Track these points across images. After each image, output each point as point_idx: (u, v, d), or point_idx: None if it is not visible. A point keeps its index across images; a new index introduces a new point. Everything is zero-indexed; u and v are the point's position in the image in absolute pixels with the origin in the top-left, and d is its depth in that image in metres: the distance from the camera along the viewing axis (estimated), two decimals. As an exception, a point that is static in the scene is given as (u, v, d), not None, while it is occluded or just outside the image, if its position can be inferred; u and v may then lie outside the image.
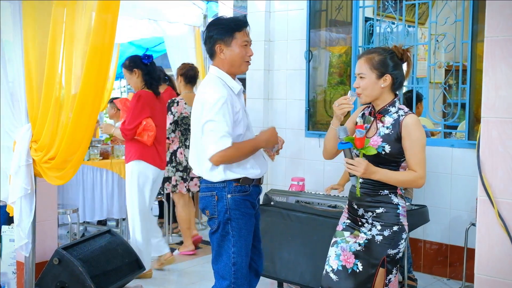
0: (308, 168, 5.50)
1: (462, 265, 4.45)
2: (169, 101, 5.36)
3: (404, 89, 5.29)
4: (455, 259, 4.70)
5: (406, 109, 2.75)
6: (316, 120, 5.58)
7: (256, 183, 3.11)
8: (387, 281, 2.78)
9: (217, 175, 2.99)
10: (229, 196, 2.99)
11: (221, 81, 3.02)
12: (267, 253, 4.11)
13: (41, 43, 3.23)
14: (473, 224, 4.24)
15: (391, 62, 2.74)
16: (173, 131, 5.35)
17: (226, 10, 7.65)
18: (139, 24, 7.05)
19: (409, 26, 5.22)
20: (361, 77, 2.74)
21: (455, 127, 5.20)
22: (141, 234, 4.63)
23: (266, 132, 3.12)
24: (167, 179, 5.36)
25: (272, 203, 4.30)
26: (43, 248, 4.03)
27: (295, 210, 4.12)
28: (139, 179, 4.60)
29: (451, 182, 4.67)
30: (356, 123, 2.77)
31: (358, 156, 2.71)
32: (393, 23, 5.23)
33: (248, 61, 3.10)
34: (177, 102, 5.35)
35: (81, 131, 3.25)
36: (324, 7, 5.47)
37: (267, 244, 4.14)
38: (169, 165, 5.35)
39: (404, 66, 2.83)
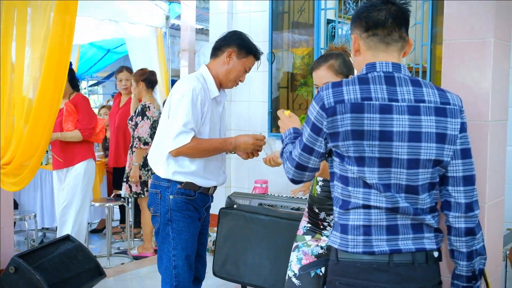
0: (271, 170, 5.44)
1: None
2: (141, 106, 5.23)
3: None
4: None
5: None
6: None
7: (203, 191, 3.07)
8: None
9: (164, 172, 2.98)
10: (171, 197, 2.97)
11: (202, 79, 3.01)
12: (231, 257, 4.08)
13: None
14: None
15: (348, 62, 2.70)
16: (150, 136, 5.21)
17: (189, 11, 7.59)
18: (100, 25, 6.93)
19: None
20: None
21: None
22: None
23: (241, 139, 3.05)
24: (144, 183, 5.26)
25: (235, 206, 4.26)
26: (-1, 256, 3.91)
27: (258, 213, 4.09)
28: (91, 177, 4.86)
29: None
30: None
31: None
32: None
33: (237, 84, 3.14)
34: (148, 107, 5.22)
35: (38, 134, 3.17)
36: (286, 9, 5.47)
37: (231, 248, 4.10)
38: (143, 169, 5.27)
39: None
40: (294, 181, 2.04)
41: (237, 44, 3.05)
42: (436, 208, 1.87)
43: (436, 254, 1.84)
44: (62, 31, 2.93)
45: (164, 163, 2.97)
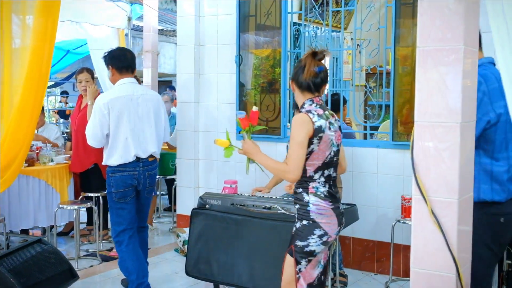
0: (240, 171, 5.57)
1: (389, 260, 4.67)
2: None
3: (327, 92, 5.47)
4: (382, 255, 4.92)
5: (306, 109, 2.96)
6: (247, 123, 5.66)
7: None
8: (297, 270, 3.02)
9: None
10: None
11: None
12: (203, 256, 4.14)
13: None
14: (399, 221, 4.47)
15: (294, 69, 3.04)
16: None
17: (151, 12, 7.60)
18: (61, 26, 6.84)
19: (333, 31, 5.41)
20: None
21: (375, 128, 5.44)
22: None
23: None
24: None
25: (207, 206, 4.33)
26: (-30, 260, 3.85)
27: (231, 213, 4.17)
28: None
29: (377, 181, 4.89)
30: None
31: None
32: (318, 28, 5.42)
33: None
34: None
35: (21, 135, 3.17)
36: (253, 12, 5.56)
37: (203, 247, 4.16)
38: None
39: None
40: None
41: None
42: None
43: None
44: (44, 33, 2.95)
45: None
